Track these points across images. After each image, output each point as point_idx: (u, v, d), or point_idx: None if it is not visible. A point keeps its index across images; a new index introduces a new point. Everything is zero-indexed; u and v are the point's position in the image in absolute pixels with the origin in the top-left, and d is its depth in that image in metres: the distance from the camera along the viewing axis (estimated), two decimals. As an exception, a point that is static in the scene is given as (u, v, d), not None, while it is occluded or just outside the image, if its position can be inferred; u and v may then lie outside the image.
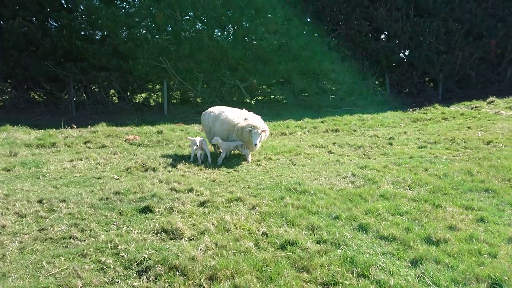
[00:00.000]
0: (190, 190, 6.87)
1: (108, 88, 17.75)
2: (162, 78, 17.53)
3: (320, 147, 10.52)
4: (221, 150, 9.37)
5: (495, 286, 3.74)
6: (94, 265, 4.39)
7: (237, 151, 9.64)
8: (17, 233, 5.24)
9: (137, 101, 19.19)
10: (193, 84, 18.04)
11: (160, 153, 9.92)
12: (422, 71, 20.38)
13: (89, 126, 13.53)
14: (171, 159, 9.15)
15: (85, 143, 11.30)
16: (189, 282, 3.98)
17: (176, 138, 11.90)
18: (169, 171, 8.33)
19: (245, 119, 9.18)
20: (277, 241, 4.85)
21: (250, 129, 8.76)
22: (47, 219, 5.70)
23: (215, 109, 10.09)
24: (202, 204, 6.29)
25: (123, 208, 6.07)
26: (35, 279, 4.10)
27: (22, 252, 4.73)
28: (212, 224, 5.35)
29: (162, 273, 4.13)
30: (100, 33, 17.95)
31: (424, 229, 4.99)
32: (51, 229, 5.33)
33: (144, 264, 4.37)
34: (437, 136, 11.36)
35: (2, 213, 5.90)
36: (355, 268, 4.08)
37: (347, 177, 7.63)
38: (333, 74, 19.13)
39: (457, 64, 20.61)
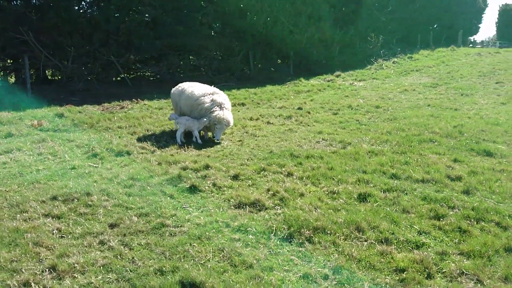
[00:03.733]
0: (206, 167, 6.77)
1: None
2: (23, 53, 14.78)
3: (253, 120, 11.16)
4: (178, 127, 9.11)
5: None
6: (249, 244, 4.29)
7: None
8: (91, 233, 4.48)
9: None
10: (61, 61, 15.82)
11: (101, 137, 8.93)
12: (277, 49, 22.62)
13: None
14: (135, 140, 8.47)
15: (-21, 133, 9.11)
16: (341, 236, 4.40)
17: (93, 121, 10.64)
18: (142, 153, 7.80)
19: (212, 100, 8.90)
20: (354, 196, 5.56)
21: (215, 123, 8.56)
22: (98, 215, 4.96)
23: (184, 85, 9.65)
24: (235, 177, 6.38)
25: (167, 191, 5.70)
26: (203, 266, 3.82)
27: (132, 249, 4.18)
28: (284, 191, 5.64)
29: (312, 235, 4.41)
30: None
31: (438, 172, 6.44)
32: (125, 222, 4.74)
33: (281, 232, 4.51)
34: (333, 104, 13.34)
35: (29, 218, 4.80)
36: (442, 203, 5.20)
37: (319, 142, 8.64)
38: (206, 51, 19.52)
39: (303, 43, 23.61)
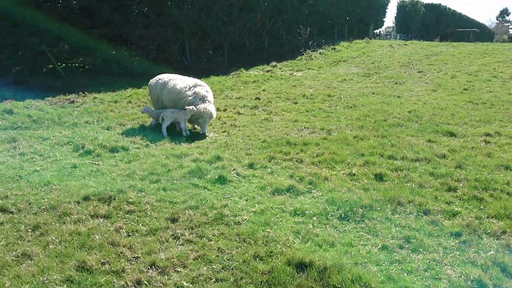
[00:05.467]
0: (217, 158, 6.85)
1: None
2: None
3: (221, 111, 11.26)
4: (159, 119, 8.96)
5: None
6: (315, 225, 4.59)
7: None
8: (157, 229, 4.43)
9: None
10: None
11: (81, 133, 8.42)
12: (212, 40, 22.59)
13: None
14: (119, 135, 8.14)
15: None
16: (389, 211, 4.93)
17: (53, 116, 9.87)
18: (138, 148, 7.59)
19: (194, 92, 8.80)
20: (371, 177, 6.14)
21: (197, 117, 8.53)
22: (147, 211, 4.87)
23: (164, 76, 9.32)
24: (251, 166, 6.60)
25: (199, 184, 5.74)
26: (293, 247, 4.06)
27: (210, 240, 4.25)
28: (310, 176, 6.02)
29: (365, 213, 4.87)
30: None
31: (424, 151, 7.30)
32: (183, 216, 4.73)
33: (335, 213, 4.89)
34: (287, 94, 13.92)
35: (79, 220, 4.56)
36: (448, 178, 6.00)
37: (302, 129, 9.12)
38: (143, 41, 18.85)
39: (236, 34, 23.89)
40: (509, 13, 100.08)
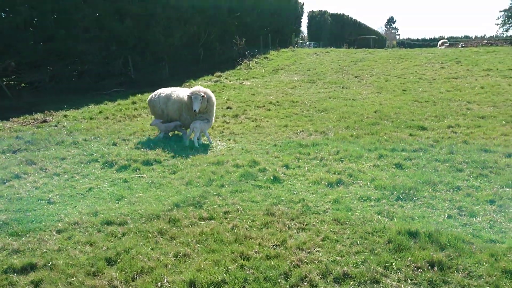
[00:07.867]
0: (254, 162, 7.49)
1: None
2: None
3: (207, 121, 11.77)
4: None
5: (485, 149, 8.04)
6: (386, 206, 5.51)
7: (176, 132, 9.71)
8: (269, 222, 5.03)
9: None
10: None
11: (89, 150, 8.41)
12: (152, 52, 22.61)
13: None
14: (136, 150, 8.31)
15: None
16: (431, 191, 6.09)
17: (43, 137, 9.57)
18: (167, 160, 7.92)
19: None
20: (392, 166, 7.29)
21: (189, 94, 9.04)
22: (239, 211, 5.43)
23: (165, 90, 9.57)
24: (287, 166, 7.39)
25: (261, 185, 6.39)
26: (386, 224, 4.96)
27: (318, 227, 4.97)
28: (348, 170, 6.99)
29: (416, 193, 5.96)
30: None
31: (415, 143, 8.70)
32: (276, 212, 5.39)
33: (392, 196, 5.91)
34: (253, 102, 14.77)
35: (191, 223, 4.98)
36: (452, 162, 7.38)
37: (298, 133, 10.08)
38: (89, 56, 18.34)
39: (174, 46, 24.14)
40: (395, 21, 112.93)
